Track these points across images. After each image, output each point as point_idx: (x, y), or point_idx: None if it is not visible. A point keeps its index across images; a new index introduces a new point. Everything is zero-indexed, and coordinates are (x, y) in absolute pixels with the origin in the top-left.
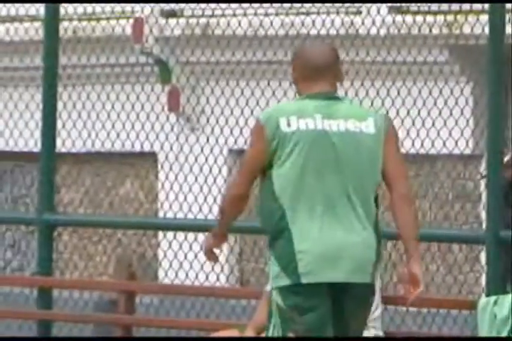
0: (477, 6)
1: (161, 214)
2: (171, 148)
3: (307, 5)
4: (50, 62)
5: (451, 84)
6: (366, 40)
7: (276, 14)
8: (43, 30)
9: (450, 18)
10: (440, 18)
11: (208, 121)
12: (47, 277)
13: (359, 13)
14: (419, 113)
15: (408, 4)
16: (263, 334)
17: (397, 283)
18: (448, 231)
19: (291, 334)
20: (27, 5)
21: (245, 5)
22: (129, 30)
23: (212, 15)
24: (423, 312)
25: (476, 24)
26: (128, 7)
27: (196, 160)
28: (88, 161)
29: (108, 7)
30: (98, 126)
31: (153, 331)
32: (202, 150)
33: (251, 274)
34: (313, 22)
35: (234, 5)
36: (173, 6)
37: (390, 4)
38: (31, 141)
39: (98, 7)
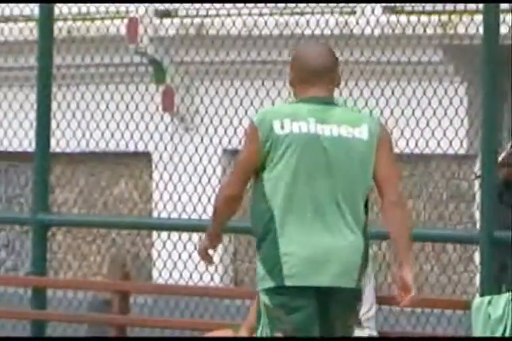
0: (471, 6)
1: (155, 214)
2: (165, 148)
3: (301, 5)
4: (44, 62)
5: (445, 84)
6: (360, 40)
7: (271, 14)
8: (38, 30)
9: (444, 18)
10: (434, 18)
11: (202, 121)
12: (41, 277)
13: (353, 13)
14: (413, 113)
15: (402, 4)
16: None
17: (391, 283)
18: (442, 231)
19: (279, 334)
20: (21, 5)
21: (239, 5)
22: (123, 30)
23: (207, 15)
24: (417, 312)
25: (471, 24)
26: (122, 7)
27: (190, 160)
28: (82, 161)
29: (102, 7)
30: (92, 126)
31: (148, 331)
32: (196, 150)
33: (245, 274)
34: (308, 22)
35: (228, 5)
36: (167, 6)
37: (384, 4)
38: (25, 141)
39: (92, 7)
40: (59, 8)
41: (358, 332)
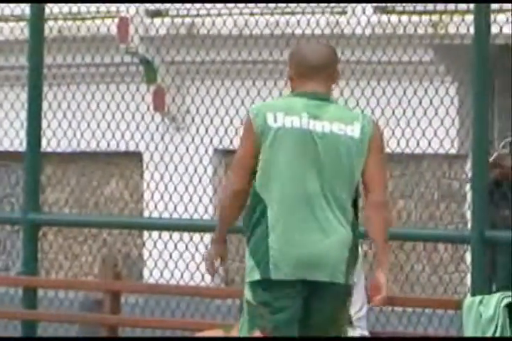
0: (462, 6)
1: (146, 213)
2: (156, 148)
3: (292, 5)
4: (35, 61)
5: (436, 84)
6: (351, 39)
7: (262, 14)
8: (28, 29)
9: (435, 18)
10: (425, 18)
11: (193, 120)
12: (32, 277)
13: (344, 12)
14: (404, 113)
15: (393, 4)
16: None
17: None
18: (433, 231)
19: (257, 330)
20: (12, 5)
21: (230, 5)
22: (114, 30)
23: (198, 15)
24: (408, 311)
25: (461, 24)
26: (113, 7)
27: (181, 159)
28: (73, 161)
29: (93, 7)
30: (83, 125)
31: (139, 331)
32: (187, 149)
33: (236, 273)
34: (299, 22)
35: (219, 5)
36: (158, 5)
37: (375, 4)
38: (16, 141)
39: (83, 7)
40: (50, 8)
41: (349, 332)
